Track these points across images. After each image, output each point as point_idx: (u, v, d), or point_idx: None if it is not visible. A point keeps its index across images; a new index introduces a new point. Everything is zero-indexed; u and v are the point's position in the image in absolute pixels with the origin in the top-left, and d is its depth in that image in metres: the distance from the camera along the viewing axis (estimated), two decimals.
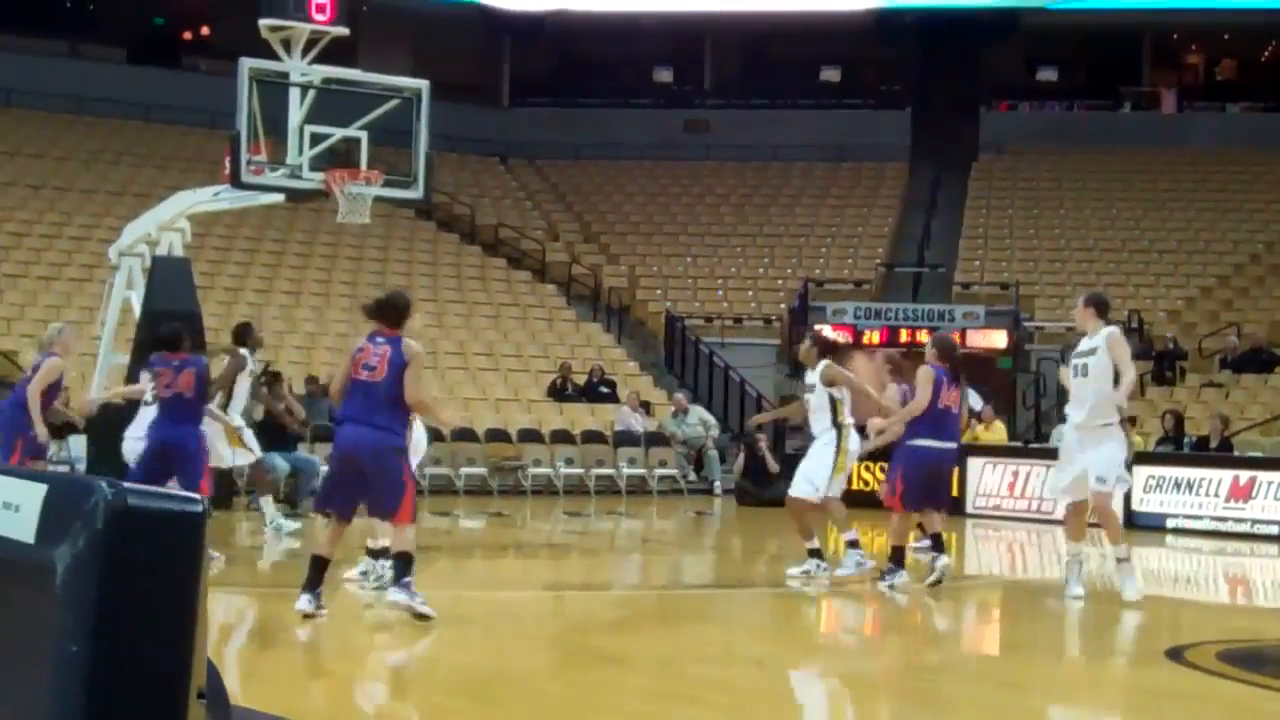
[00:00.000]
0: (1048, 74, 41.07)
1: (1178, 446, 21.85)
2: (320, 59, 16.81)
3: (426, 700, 7.84)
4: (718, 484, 24.96)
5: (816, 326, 28.96)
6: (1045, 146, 37.04)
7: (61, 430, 17.36)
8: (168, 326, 13.06)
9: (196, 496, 2.63)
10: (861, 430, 13.17)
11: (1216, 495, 19.28)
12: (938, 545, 12.25)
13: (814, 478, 12.33)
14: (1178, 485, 19.70)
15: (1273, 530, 18.60)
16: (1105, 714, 8.08)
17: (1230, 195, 34.81)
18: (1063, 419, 12.35)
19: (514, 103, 40.08)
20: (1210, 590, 15.93)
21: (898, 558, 12.14)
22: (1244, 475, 19.20)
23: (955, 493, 21.42)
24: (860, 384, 12.43)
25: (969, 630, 11.17)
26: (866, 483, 20.10)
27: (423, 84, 16.82)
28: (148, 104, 33.76)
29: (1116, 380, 10.87)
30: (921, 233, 35.09)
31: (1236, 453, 21.24)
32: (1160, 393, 26.52)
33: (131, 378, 17.28)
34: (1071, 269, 32.50)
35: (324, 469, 20.38)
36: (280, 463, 19.15)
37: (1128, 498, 20.02)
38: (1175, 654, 9.17)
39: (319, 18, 16.64)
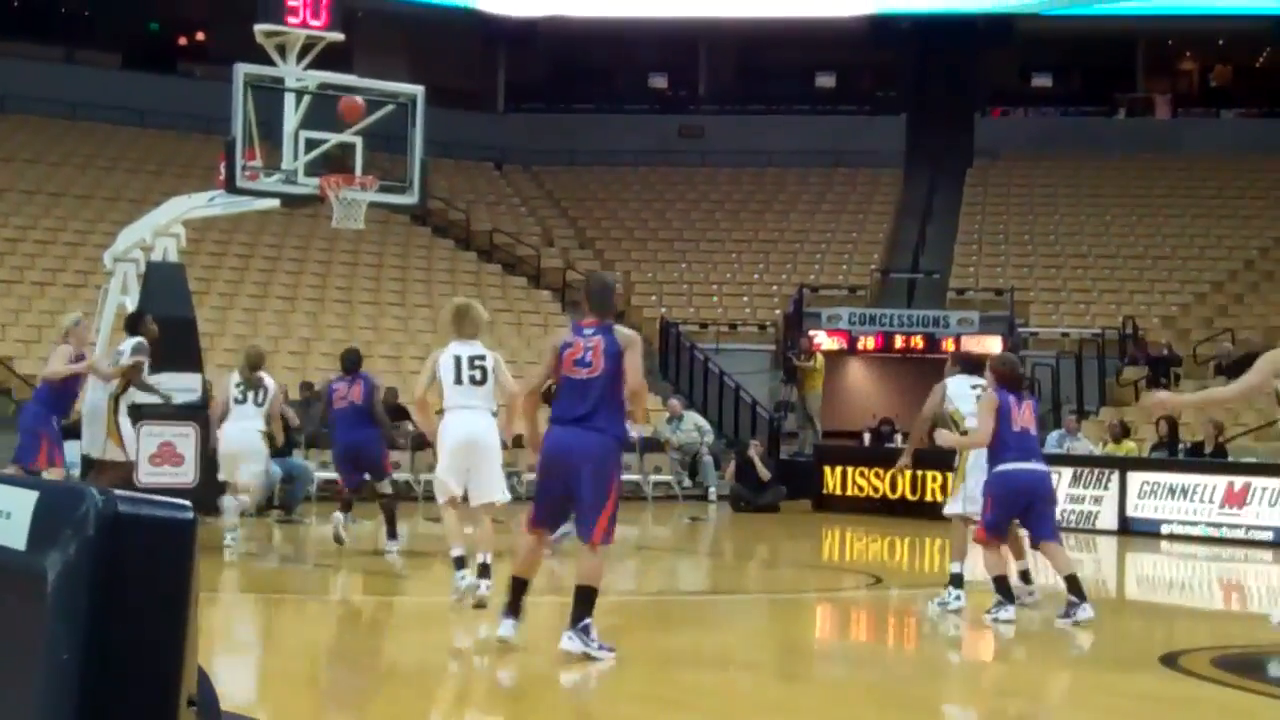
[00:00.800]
0: (1043, 80, 41.17)
1: (1172, 452, 21.87)
2: (315, 64, 16.80)
3: (419, 705, 7.83)
4: (712, 490, 24.96)
5: (811, 332, 29.12)
6: (1040, 152, 37.09)
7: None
8: (350, 352, 15.33)
9: (187, 504, 2.63)
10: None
11: (1211, 501, 19.29)
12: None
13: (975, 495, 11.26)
14: (1172, 491, 19.71)
15: (1267, 536, 18.61)
16: None
17: (1225, 201, 34.86)
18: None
19: (509, 108, 40.11)
20: (1205, 596, 15.95)
21: (1002, 589, 10.84)
22: (1238, 481, 19.21)
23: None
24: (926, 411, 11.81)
25: (963, 637, 11.17)
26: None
27: (418, 89, 16.82)
28: (143, 110, 33.75)
29: None
30: (916, 238, 35.13)
31: (1231, 459, 21.26)
32: None
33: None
34: (1066, 275, 32.54)
35: (319, 474, 20.51)
36: (273, 469, 19.12)
37: (1122, 504, 20.08)
38: (1170, 660, 9.18)
39: (314, 23, 16.63)
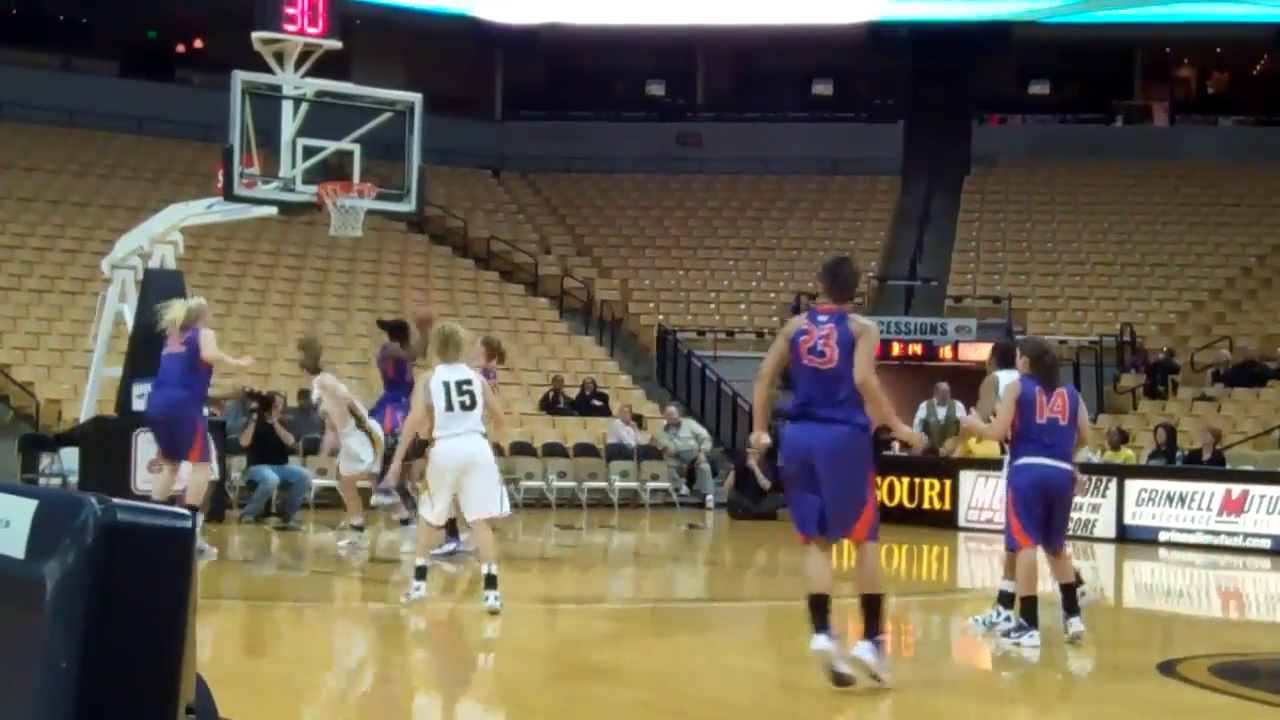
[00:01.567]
0: (1040, 87, 41.20)
1: (1170, 460, 21.87)
2: (313, 72, 16.83)
3: (416, 712, 7.83)
4: (710, 497, 24.95)
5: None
6: (1037, 160, 37.11)
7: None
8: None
9: (186, 513, 2.64)
10: None
11: (1209, 509, 19.29)
12: (1069, 600, 10.11)
13: None
14: (1170, 499, 19.71)
15: (1265, 544, 18.61)
16: None
17: (1222, 208, 34.90)
18: None
19: (506, 116, 40.13)
20: (1202, 604, 15.95)
21: (1028, 611, 9.87)
22: (1236, 489, 19.20)
23: (947, 506, 21.68)
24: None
25: (960, 644, 11.16)
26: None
27: (415, 97, 16.84)
28: (140, 117, 33.77)
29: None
30: (914, 246, 35.12)
31: (1229, 466, 21.26)
32: (1152, 406, 26.55)
33: (123, 390, 17.28)
34: (1064, 282, 32.56)
35: (315, 481, 20.48)
36: (270, 475, 19.14)
37: (1120, 511, 20.08)
38: (1167, 668, 9.18)
39: (312, 30, 16.65)
